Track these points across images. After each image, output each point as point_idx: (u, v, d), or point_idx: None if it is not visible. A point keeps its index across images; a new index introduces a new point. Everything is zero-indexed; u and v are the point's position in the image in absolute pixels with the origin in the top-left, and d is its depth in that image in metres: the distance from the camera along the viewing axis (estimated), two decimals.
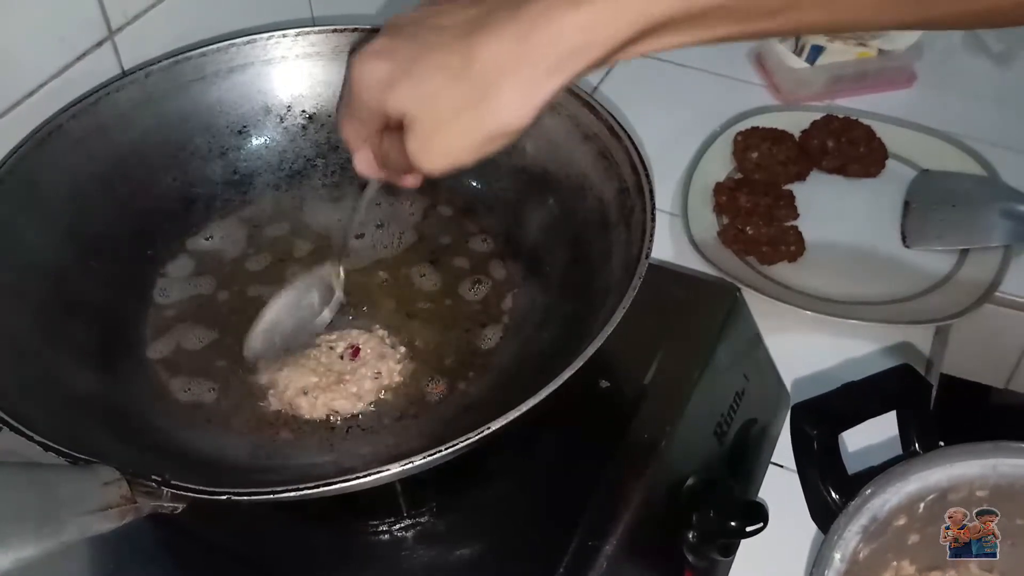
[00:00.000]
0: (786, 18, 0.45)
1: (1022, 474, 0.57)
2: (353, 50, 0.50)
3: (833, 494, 0.60)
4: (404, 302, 0.67)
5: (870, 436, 0.65)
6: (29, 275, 0.61)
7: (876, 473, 0.57)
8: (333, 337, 0.64)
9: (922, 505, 0.57)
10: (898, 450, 0.61)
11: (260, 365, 0.63)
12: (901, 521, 0.57)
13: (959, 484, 0.57)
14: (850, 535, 0.55)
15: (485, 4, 0.46)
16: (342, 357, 0.63)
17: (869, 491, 0.56)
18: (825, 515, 0.59)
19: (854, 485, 0.57)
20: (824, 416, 0.61)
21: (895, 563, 0.60)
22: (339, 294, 0.65)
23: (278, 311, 0.64)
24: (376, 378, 0.62)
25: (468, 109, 0.46)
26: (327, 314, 0.65)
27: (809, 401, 0.62)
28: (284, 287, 0.65)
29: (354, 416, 0.61)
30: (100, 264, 0.66)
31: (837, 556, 0.54)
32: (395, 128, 0.49)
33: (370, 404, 0.62)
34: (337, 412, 0.61)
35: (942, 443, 0.60)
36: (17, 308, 0.60)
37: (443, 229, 0.72)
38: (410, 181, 0.55)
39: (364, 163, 0.54)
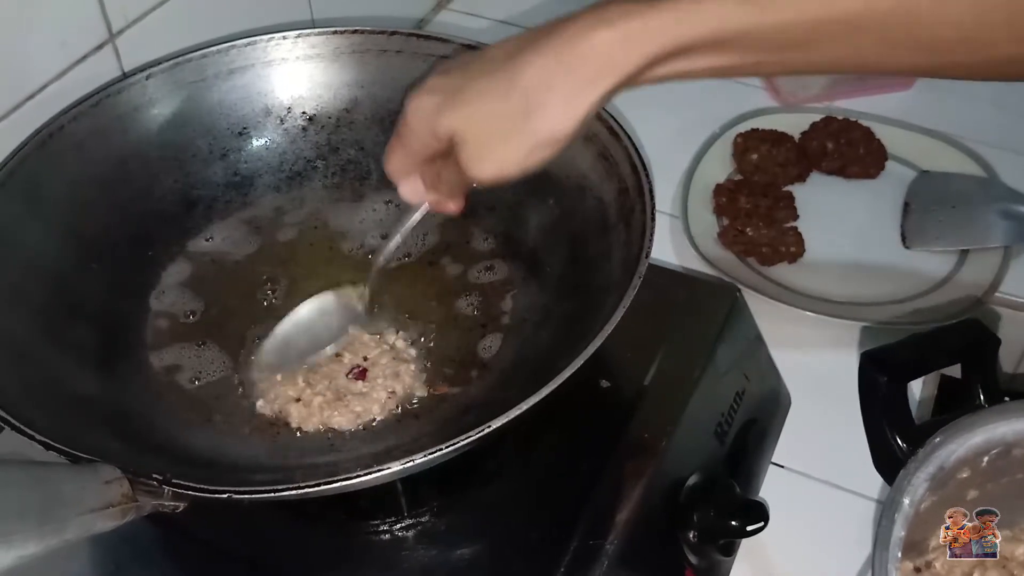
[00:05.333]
0: (811, 52, 0.46)
1: None
2: (408, 90, 0.53)
3: (900, 442, 0.60)
4: (405, 303, 0.67)
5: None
6: (30, 277, 0.61)
7: (941, 424, 0.57)
8: (341, 343, 0.64)
9: (986, 459, 0.57)
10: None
11: (263, 375, 0.63)
12: (964, 474, 0.57)
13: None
14: (918, 482, 0.55)
15: (526, 35, 0.49)
16: (348, 375, 0.62)
17: (938, 439, 0.56)
18: (890, 463, 0.59)
19: (920, 434, 0.57)
20: (891, 365, 0.61)
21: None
22: (361, 315, 0.65)
23: (293, 326, 0.63)
24: (391, 396, 0.62)
25: (515, 122, 0.49)
26: (345, 333, 0.64)
27: (877, 350, 0.62)
28: (301, 302, 0.64)
29: None
30: (101, 266, 0.66)
31: (906, 501, 0.54)
32: (446, 154, 0.52)
33: (373, 421, 0.61)
34: (333, 428, 0.60)
35: (1007, 398, 0.60)
36: (18, 309, 0.60)
37: (444, 229, 0.72)
38: (452, 207, 0.57)
39: (411, 191, 0.57)
